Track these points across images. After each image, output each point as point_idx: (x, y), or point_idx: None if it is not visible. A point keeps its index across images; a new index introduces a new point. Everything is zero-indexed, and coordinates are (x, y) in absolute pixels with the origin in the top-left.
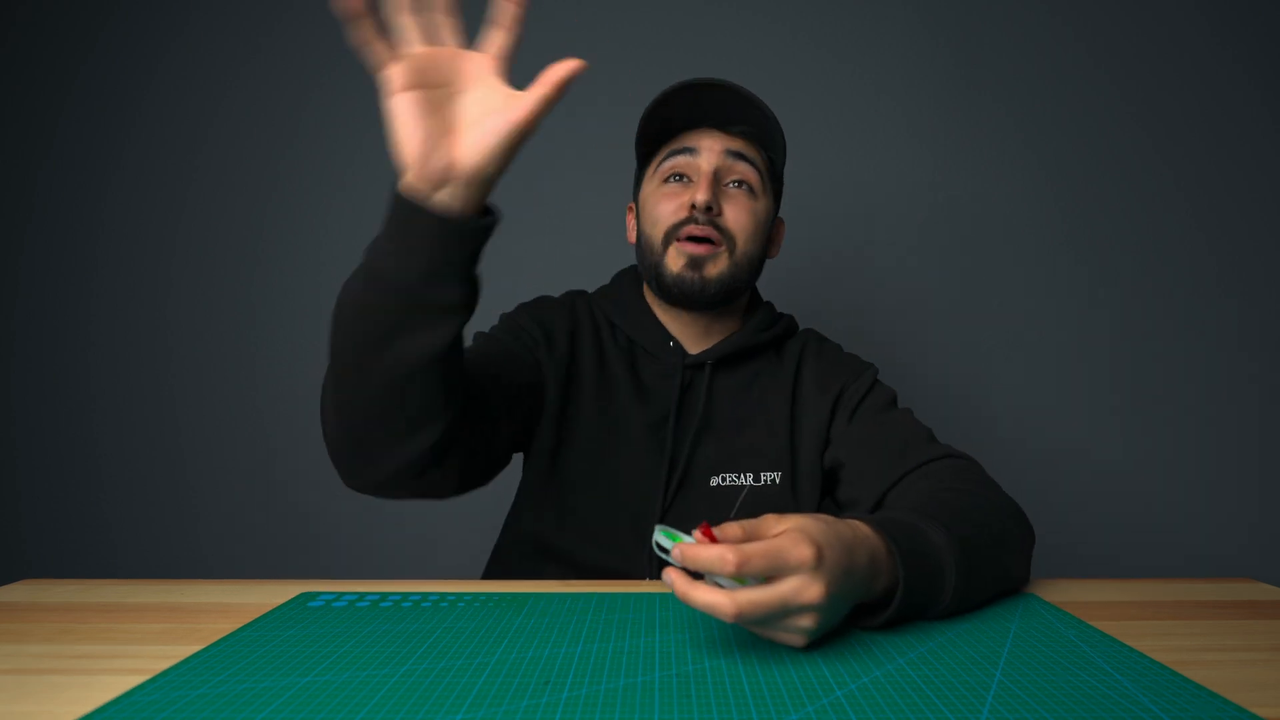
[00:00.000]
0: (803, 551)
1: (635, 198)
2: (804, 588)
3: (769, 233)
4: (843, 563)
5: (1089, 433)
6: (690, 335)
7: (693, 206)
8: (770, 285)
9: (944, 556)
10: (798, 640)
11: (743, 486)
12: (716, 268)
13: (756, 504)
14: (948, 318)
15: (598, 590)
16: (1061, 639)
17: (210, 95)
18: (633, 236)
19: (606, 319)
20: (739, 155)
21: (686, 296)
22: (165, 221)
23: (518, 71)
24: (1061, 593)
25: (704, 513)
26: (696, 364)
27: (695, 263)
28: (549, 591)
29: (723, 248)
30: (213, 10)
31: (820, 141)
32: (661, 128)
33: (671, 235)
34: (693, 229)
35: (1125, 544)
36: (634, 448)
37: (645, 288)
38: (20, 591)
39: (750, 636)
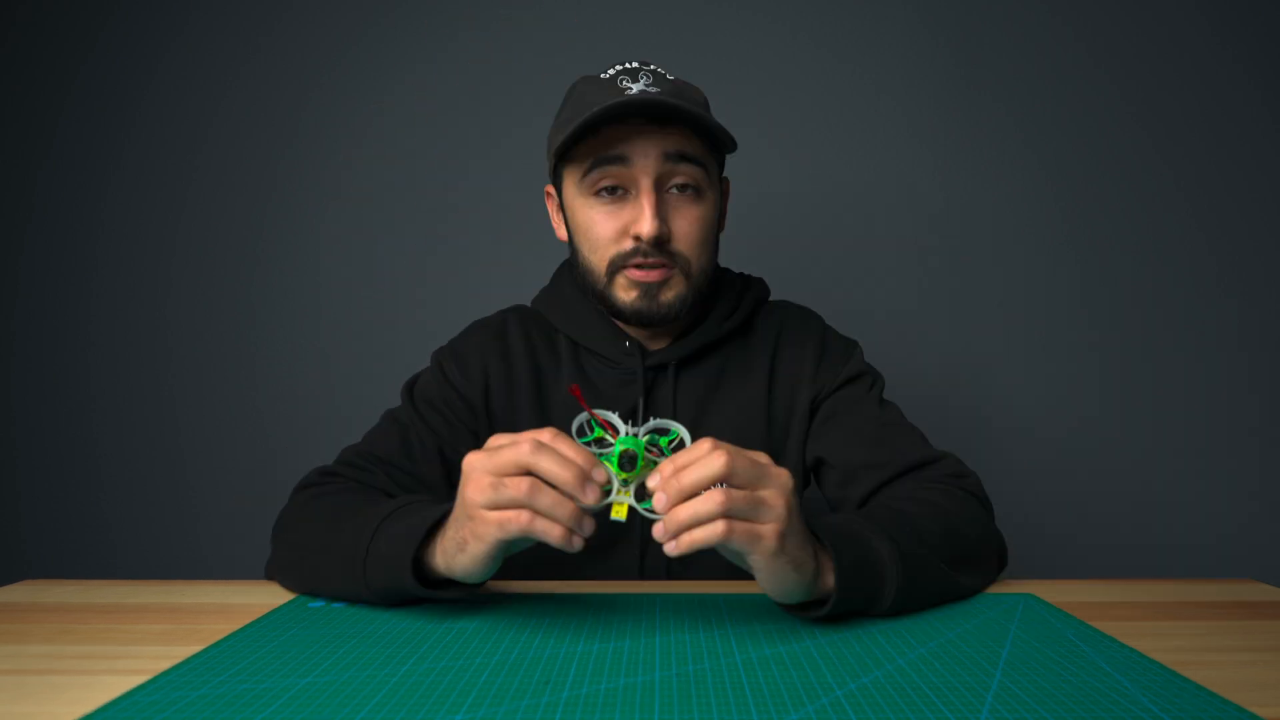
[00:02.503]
0: (781, 468)
1: (554, 184)
2: (778, 469)
3: (720, 224)
4: (799, 510)
5: (1088, 433)
6: (645, 334)
7: (637, 238)
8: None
9: (885, 570)
10: (770, 531)
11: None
12: (673, 291)
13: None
14: (947, 317)
15: (598, 590)
16: (1061, 639)
17: (210, 95)
18: (563, 233)
19: (549, 330)
20: (680, 156)
21: (644, 323)
22: (165, 221)
23: (517, 72)
24: (1061, 593)
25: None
26: (658, 365)
27: (649, 292)
28: (549, 591)
29: (675, 270)
30: (213, 10)
31: (820, 141)
32: (580, 132)
33: (617, 265)
34: (641, 262)
35: (1125, 544)
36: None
37: None
38: (20, 591)
39: (751, 636)
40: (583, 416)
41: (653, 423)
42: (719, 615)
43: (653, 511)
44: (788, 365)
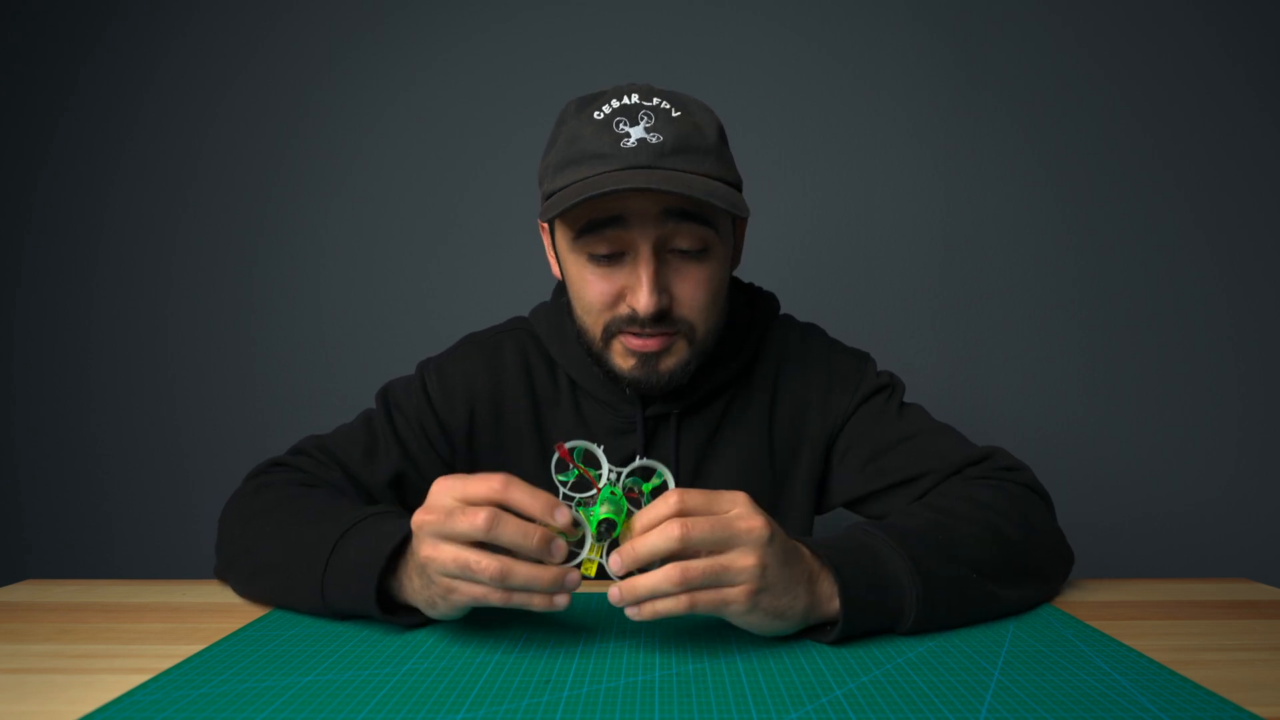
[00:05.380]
0: (753, 522)
1: (548, 225)
2: (748, 521)
3: (735, 262)
4: (788, 550)
5: (1087, 433)
6: None
7: (633, 309)
8: (770, 287)
9: (904, 593)
10: (738, 595)
11: None
12: (674, 358)
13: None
14: (947, 318)
15: (597, 590)
16: (1060, 639)
17: (210, 95)
18: (558, 272)
19: (550, 357)
20: (683, 215)
21: (642, 391)
22: (165, 221)
23: (515, 74)
24: (1061, 593)
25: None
26: (660, 415)
27: (647, 361)
28: None
29: (677, 338)
30: (213, 10)
31: (820, 141)
32: (571, 210)
33: (612, 331)
34: (636, 331)
35: (1124, 544)
36: None
37: None
38: (20, 591)
39: (751, 636)
40: (570, 447)
41: (637, 464)
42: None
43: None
44: (791, 396)
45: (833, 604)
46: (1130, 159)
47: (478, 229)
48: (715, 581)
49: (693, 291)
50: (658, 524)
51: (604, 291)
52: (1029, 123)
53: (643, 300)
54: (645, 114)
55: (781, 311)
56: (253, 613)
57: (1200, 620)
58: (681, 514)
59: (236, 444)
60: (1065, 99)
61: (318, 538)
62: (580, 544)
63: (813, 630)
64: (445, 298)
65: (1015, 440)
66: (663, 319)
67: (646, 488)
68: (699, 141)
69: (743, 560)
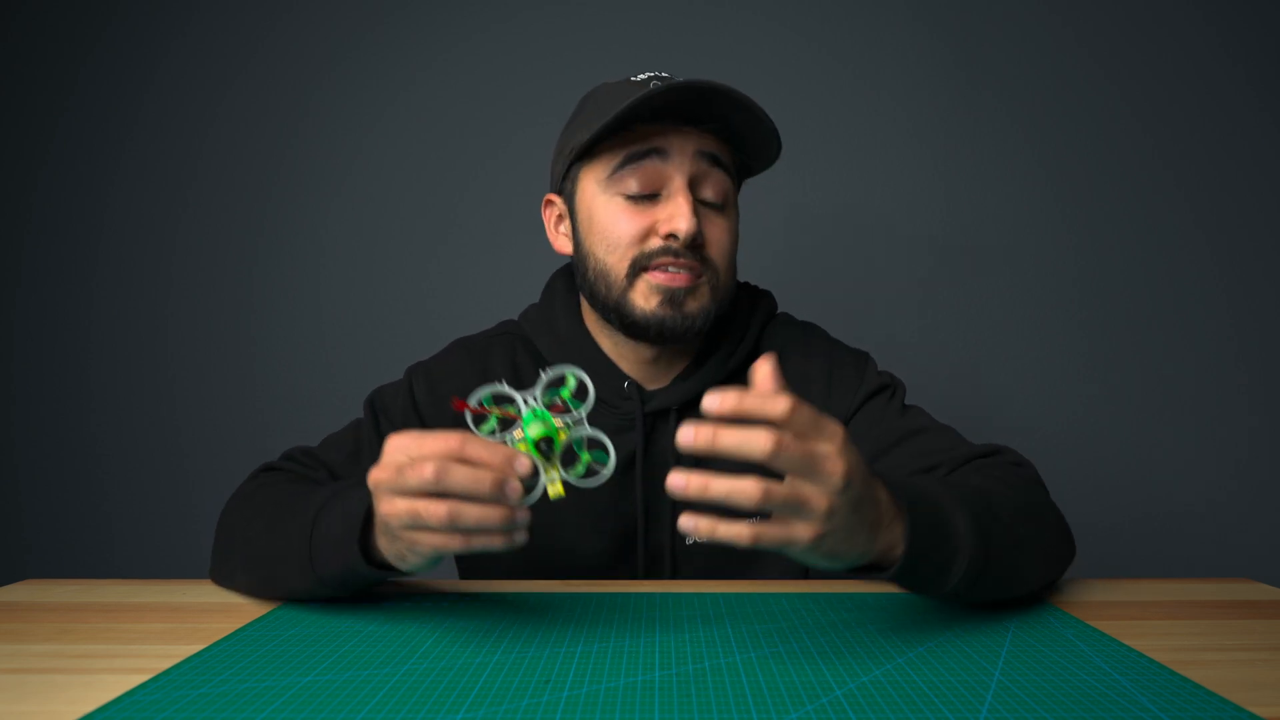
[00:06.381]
0: (837, 464)
1: (562, 191)
2: (833, 463)
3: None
4: (863, 496)
5: (1087, 433)
6: (645, 369)
7: (671, 236)
8: (769, 287)
9: (959, 544)
10: (803, 534)
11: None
12: (698, 302)
13: (727, 550)
14: (947, 318)
15: (598, 590)
16: (1060, 639)
17: (210, 95)
18: (565, 246)
19: (540, 358)
20: (714, 160)
21: (664, 337)
22: (165, 221)
23: (515, 74)
24: (1061, 592)
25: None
26: (659, 410)
27: (674, 299)
28: (549, 591)
29: (704, 279)
30: (213, 10)
31: (820, 141)
32: (630, 114)
33: (640, 265)
34: (671, 262)
35: (1124, 544)
36: (585, 526)
37: (585, 309)
38: (20, 591)
39: (751, 636)
40: (477, 399)
41: (545, 377)
42: (719, 615)
43: (585, 478)
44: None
45: (895, 551)
46: (1130, 159)
47: (478, 229)
48: (785, 513)
49: (719, 236)
50: (759, 414)
51: (638, 225)
52: (1029, 123)
53: (684, 220)
54: (662, 78)
55: (779, 311)
56: (253, 613)
57: (1200, 620)
58: (781, 424)
59: (236, 444)
60: (1065, 99)
61: (299, 518)
62: (538, 478)
63: (862, 568)
64: (445, 298)
65: (1015, 440)
66: (695, 250)
67: (565, 393)
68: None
69: (817, 500)
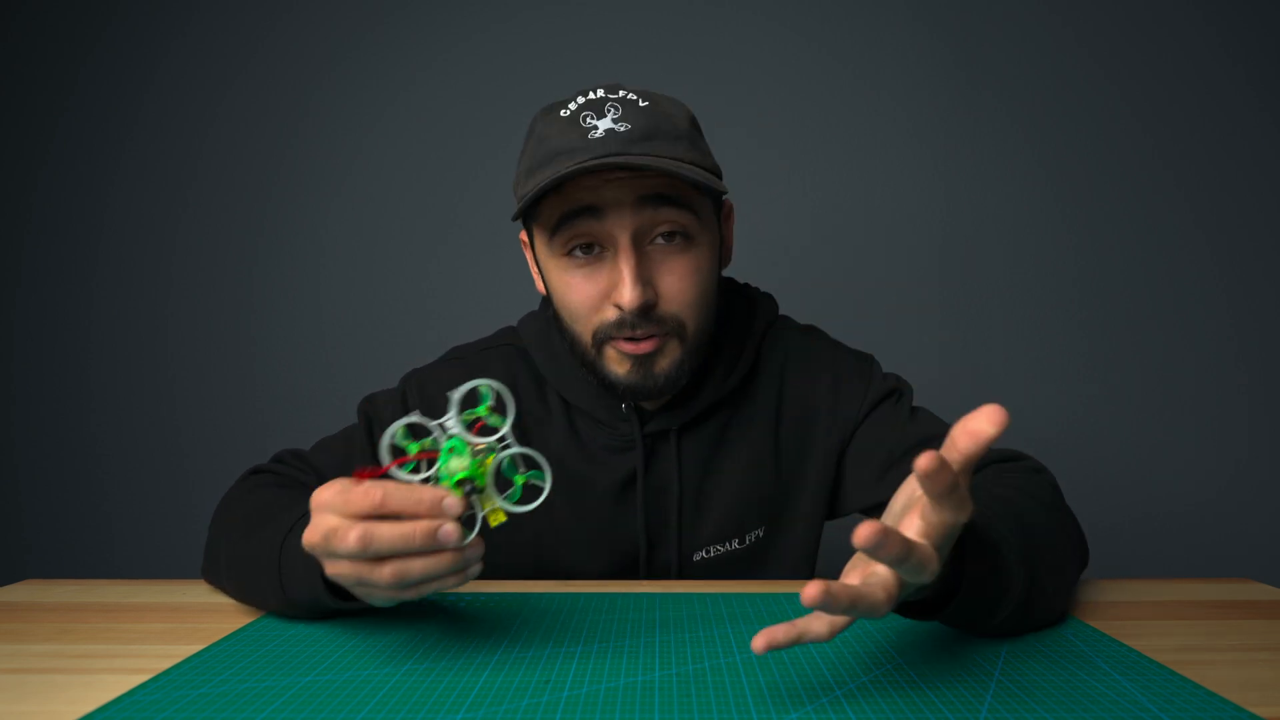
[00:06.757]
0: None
1: (527, 232)
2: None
3: (720, 270)
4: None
5: (1087, 433)
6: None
7: (619, 308)
8: (769, 288)
9: (1009, 593)
10: (883, 606)
11: (727, 553)
12: (668, 359)
13: (732, 564)
14: (947, 318)
15: (598, 590)
16: (1060, 638)
17: (210, 95)
18: (541, 287)
19: (539, 373)
20: (661, 199)
21: (640, 397)
22: (165, 221)
23: (515, 74)
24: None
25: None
26: (659, 431)
27: (643, 364)
28: (549, 591)
29: (669, 338)
30: (213, 10)
31: (820, 141)
32: (538, 198)
33: (603, 338)
34: (629, 333)
35: (1124, 544)
36: (586, 549)
37: None
38: (20, 591)
39: (751, 636)
40: (388, 440)
41: (455, 397)
42: (719, 615)
43: (522, 503)
44: (797, 401)
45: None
46: (1130, 159)
47: (478, 229)
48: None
49: (678, 284)
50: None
51: (588, 294)
52: (1029, 123)
53: (626, 294)
54: (612, 106)
55: (780, 312)
56: (253, 612)
57: (1200, 620)
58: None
59: (236, 444)
60: (1065, 99)
61: (272, 533)
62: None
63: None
64: (445, 298)
65: (1015, 441)
66: (649, 315)
67: (483, 410)
68: (669, 128)
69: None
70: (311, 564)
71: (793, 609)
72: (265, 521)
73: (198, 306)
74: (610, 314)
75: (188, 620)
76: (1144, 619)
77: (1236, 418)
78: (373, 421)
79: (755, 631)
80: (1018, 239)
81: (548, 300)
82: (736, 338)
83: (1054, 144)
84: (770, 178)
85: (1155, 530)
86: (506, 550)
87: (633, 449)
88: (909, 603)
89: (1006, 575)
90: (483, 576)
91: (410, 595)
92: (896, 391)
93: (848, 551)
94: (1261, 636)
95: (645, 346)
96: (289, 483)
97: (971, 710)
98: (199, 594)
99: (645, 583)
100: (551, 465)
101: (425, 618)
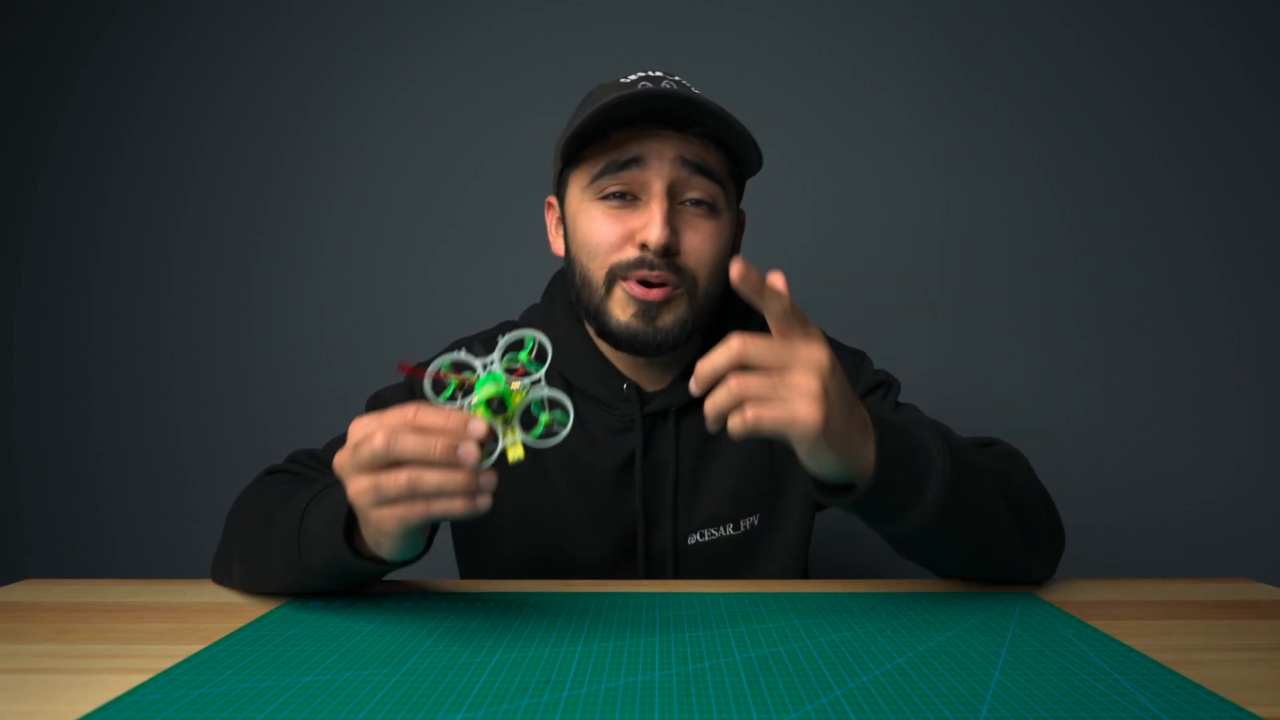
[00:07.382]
0: (815, 351)
1: (558, 195)
2: (810, 349)
3: (732, 253)
4: (846, 390)
5: (1087, 433)
6: (643, 372)
7: (644, 246)
8: None
9: (932, 463)
10: (808, 412)
11: (721, 538)
12: (674, 314)
13: (726, 551)
14: (947, 317)
15: (598, 590)
16: (1060, 639)
17: (210, 95)
18: (560, 248)
19: None
20: (698, 167)
21: (636, 349)
22: (165, 221)
23: (515, 74)
24: (1060, 592)
25: (685, 573)
26: (658, 412)
27: (647, 311)
28: (549, 591)
29: (681, 290)
30: (213, 10)
31: (820, 141)
32: (594, 123)
33: (617, 275)
34: (645, 274)
35: (1124, 544)
36: (585, 528)
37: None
38: (20, 591)
39: (751, 636)
40: (435, 368)
41: (503, 341)
42: (719, 615)
43: (543, 439)
44: None
45: (869, 469)
46: (1130, 159)
47: (478, 229)
48: (776, 394)
49: (700, 243)
50: (727, 358)
51: (614, 231)
52: (1029, 123)
53: (654, 230)
54: (668, 82)
55: None
56: (253, 613)
57: (1200, 620)
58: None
59: (236, 444)
60: (1065, 99)
61: (291, 511)
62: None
63: (838, 491)
64: (445, 298)
65: (1015, 440)
66: (669, 259)
67: (524, 356)
68: (721, 104)
69: (804, 380)
70: (333, 526)
71: (793, 609)
72: (281, 507)
73: (198, 306)
74: (630, 253)
75: (188, 620)
76: (1144, 619)
77: (1236, 418)
78: None
79: (755, 632)
80: (1018, 239)
81: (552, 284)
82: (735, 326)
83: (1054, 144)
84: (770, 178)
85: (1155, 530)
86: (511, 535)
87: (632, 429)
88: (838, 485)
89: (925, 455)
90: (487, 571)
91: (417, 513)
92: (885, 385)
93: (839, 544)
94: (1261, 636)
95: (656, 294)
96: (305, 482)
97: (971, 710)
98: (199, 594)
99: (645, 582)
100: (553, 449)
101: (425, 618)
